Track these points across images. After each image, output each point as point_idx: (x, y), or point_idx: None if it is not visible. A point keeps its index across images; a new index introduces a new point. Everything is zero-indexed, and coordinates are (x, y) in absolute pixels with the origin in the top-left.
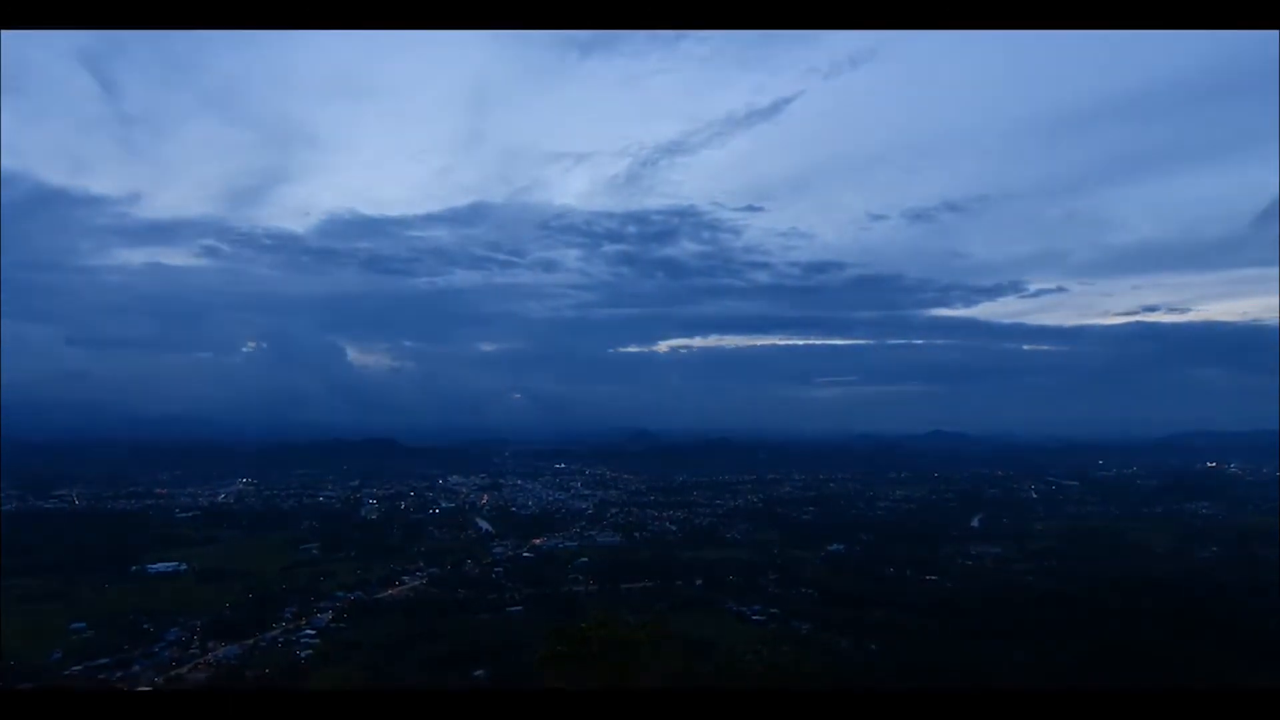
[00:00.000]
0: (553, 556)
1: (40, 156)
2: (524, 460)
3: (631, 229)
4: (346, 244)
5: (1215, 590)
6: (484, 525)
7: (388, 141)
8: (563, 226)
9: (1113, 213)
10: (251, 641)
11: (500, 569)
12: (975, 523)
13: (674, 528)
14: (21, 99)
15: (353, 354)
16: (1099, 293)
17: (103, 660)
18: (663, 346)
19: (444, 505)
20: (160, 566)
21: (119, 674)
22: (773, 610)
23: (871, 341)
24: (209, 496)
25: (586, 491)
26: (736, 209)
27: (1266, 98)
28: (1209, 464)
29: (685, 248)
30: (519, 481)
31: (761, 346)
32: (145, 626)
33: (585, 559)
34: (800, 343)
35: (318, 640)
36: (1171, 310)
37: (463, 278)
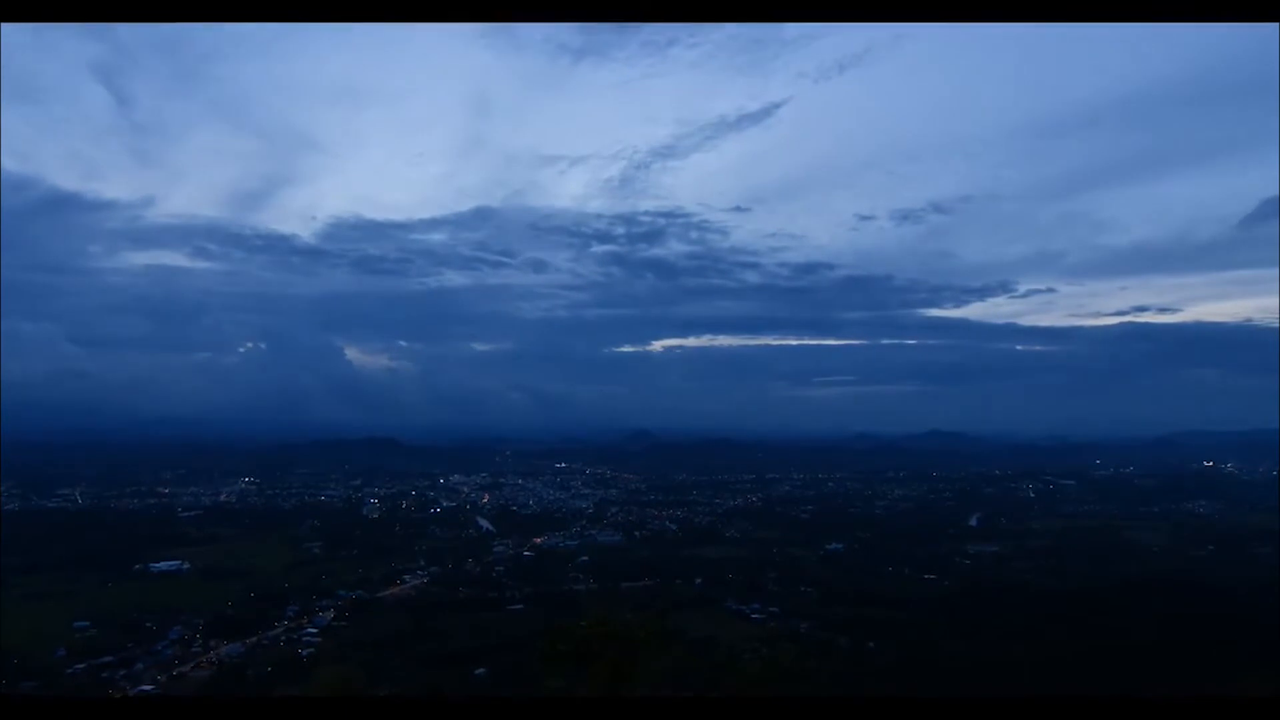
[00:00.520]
0: (553, 555)
1: (53, 163)
2: (525, 459)
3: (620, 230)
4: (349, 247)
5: (1213, 588)
6: (485, 524)
7: (390, 146)
8: (551, 228)
9: (1102, 214)
10: (254, 640)
11: (501, 567)
12: (973, 521)
13: (674, 526)
14: (35, 108)
15: (354, 354)
16: (1088, 293)
17: (106, 658)
18: (657, 346)
19: (445, 504)
20: (163, 565)
21: (122, 672)
22: (772, 608)
23: (865, 342)
24: (211, 495)
25: (587, 490)
26: (724, 210)
27: (1256, 100)
28: (1205, 463)
29: (673, 248)
30: (520, 480)
31: (756, 346)
32: (148, 625)
33: (586, 557)
34: (794, 343)
35: (320, 639)
36: (1162, 311)
37: (460, 278)
